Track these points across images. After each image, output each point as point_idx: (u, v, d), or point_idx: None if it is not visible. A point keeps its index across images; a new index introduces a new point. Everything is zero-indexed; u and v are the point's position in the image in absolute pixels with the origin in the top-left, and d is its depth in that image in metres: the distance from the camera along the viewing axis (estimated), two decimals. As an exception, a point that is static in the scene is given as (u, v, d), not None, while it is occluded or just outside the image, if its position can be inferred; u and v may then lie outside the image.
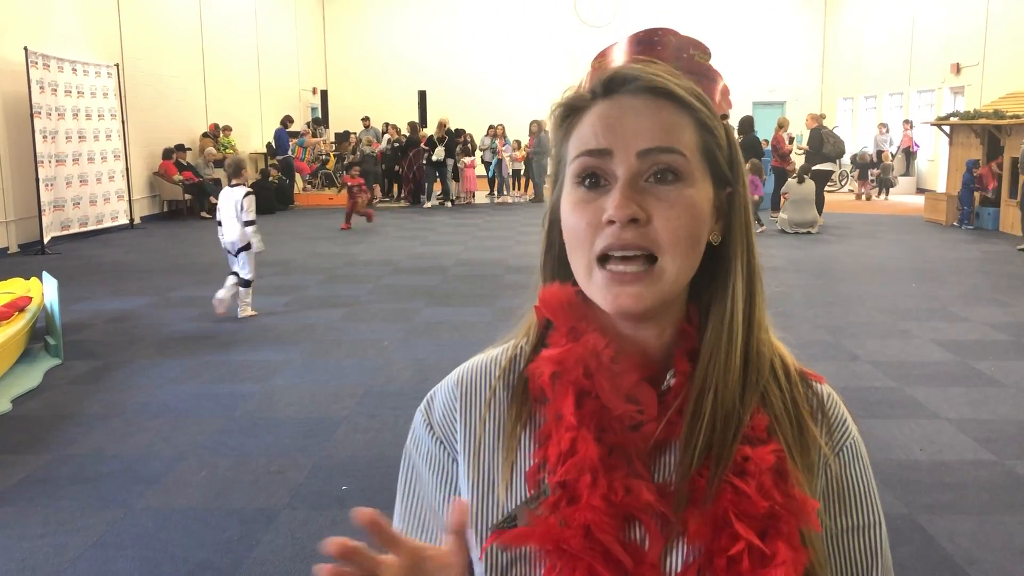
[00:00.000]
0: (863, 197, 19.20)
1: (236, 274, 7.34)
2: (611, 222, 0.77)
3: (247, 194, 7.25)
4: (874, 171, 19.67)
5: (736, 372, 0.81)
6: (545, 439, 0.81)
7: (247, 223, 7.21)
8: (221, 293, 7.29)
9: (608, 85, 0.82)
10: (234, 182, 7.37)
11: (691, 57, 0.87)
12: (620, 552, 0.75)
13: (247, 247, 7.28)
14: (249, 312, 7.45)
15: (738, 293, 0.82)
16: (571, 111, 0.84)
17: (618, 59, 0.87)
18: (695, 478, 0.77)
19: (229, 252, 7.34)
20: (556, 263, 0.88)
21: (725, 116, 0.86)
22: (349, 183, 14.07)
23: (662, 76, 0.81)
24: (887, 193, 19.58)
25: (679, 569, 0.77)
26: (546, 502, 0.78)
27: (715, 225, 0.83)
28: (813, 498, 0.79)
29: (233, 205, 7.21)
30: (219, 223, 7.41)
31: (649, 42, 0.88)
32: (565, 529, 0.76)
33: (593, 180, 0.80)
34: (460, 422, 0.89)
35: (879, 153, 20.06)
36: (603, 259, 0.79)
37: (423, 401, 0.94)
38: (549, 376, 0.81)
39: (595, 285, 0.80)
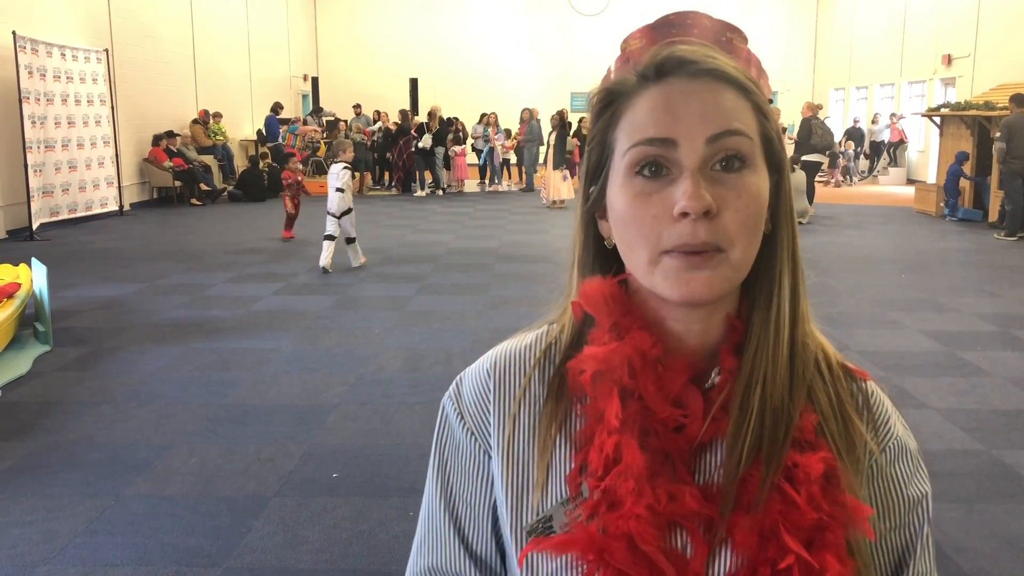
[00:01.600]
0: (832, 184, 19.70)
1: (331, 236, 8.90)
2: (683, 215, 0.72)
3: (343, 168, 9.01)
4: (840, 160, 19.96)
5: (784, 366, 0.78)
6: (585, 441, 0.78)
7: (337, 189, 8.86)
8: (323, 261, 8.86)
9: (661, 68, 0.76)
10: (337, 159, 9.15)
11: (729, 41, 0.83)
12: (664, 563, 0.73)
13: (349, 211, 8.93)
14: (361, 260, 9.20)
15: (785, 283, 0.79)
16: (615, 96, 0.79)
17: (651, 42, 0.82)
18: (743, 479, 0.75)
19: (334, 216, 8.90)
20: (591, 255, 0.85)
21: (770, 102, 0.81)
22: (292, 179, 11.30)
23: (718, 59, 0.76)
24: (850, 181, 20.11)
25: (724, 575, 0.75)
26: (584, 504, 0.76)
27: (767, 214, 0.79)
28: (861, 498, 0.78)
29: (335, 176, 8.96)
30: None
31: (683, 24, 0.82)
32: (608, 539, 0.74)
33: (654, 169, 0.75)
34: (494, 413, 0.85)
35: (872, 144, 20.28)
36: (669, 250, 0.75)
37: (451, 387, 0.91)
38: (591, 375, 0.77)
39: (662, 273, 0.75)
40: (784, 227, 0.80)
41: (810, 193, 13.60)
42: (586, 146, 0.83)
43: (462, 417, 0.88)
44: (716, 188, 0.73)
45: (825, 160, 14.79)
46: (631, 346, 0.77)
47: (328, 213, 8.94)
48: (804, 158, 13.56)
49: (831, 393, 0.81)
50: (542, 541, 0.77)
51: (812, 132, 13.66)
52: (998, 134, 11.51)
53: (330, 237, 8.92)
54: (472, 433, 0.87)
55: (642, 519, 0.73)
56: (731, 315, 0.81)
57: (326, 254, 8.86)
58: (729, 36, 0.83)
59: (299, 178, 11.50)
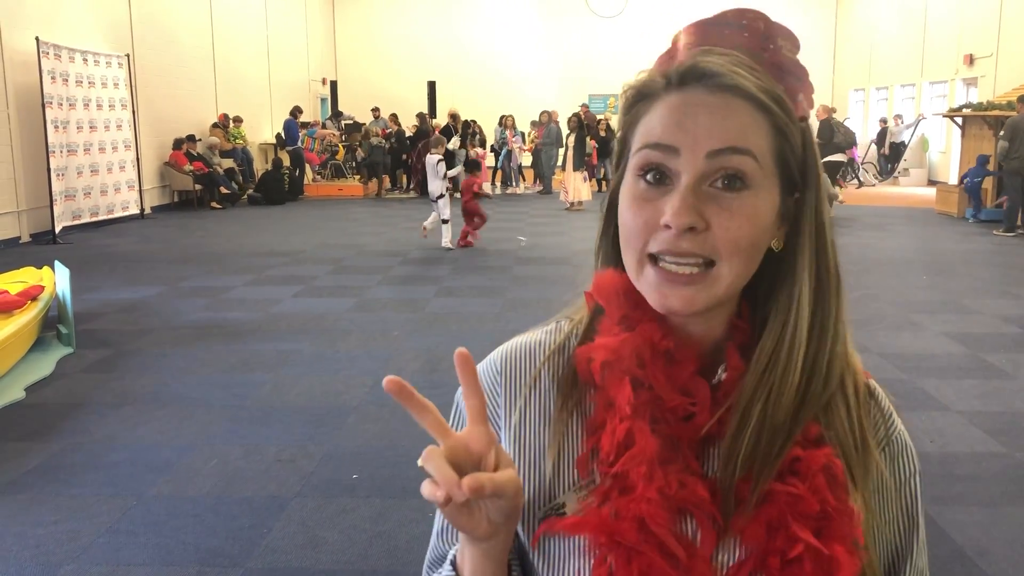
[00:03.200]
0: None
1: (446, 220, 10.60)
2: (668, 226, 0.74)
3: (439, 160, 10.64)
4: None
5: (794, 385, 0.77)
6: (596, 427, 0.80)
7: (445, 176, 10.66)
8: (427, 223, 10.83)
9: (684, 76, 0.77)
10: (432, 151, 10.84)
11: (778, 48, 0.81)
12: (674, 545, 0.74)
13: (442, 196, 10.55)
14: (447, 243, 10.66)
15: (804, 301, 0.79)
16: (642, 96, 0.80)
17: (701, 39, 0.81)
18: (739, 484, 0.76)
19: (432, 200, 10.75)
20: (611, 247, 0.86)
21: (804, 118, 0.80)
22: (478, 190, 11.17)
23: (742, 73, 0.76)
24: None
25: (731, 564, 0.76)
26: (596, 490, 0.77)
27: (777, 231, 0.79)
28: (865, 512, 0.78)
29: (432, 167, 10.63)
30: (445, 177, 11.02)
31: (738, 25, 0.82)
32: (619, 521, 0.75)
33: (656, 176, 0.77)
34: (503, 403, 0.88)
35: (892, 145, 20.08)
36: (655, 257, 0.77)
37: None
38: (600, 364, 0.79)
39: (645, 281, 0.77)
40: (806, 244, 0.79)
41: (831, 193, 13.58)
42: (615, 136, 0.86)
43: None
44: (709, 205, 0.75)
45: (845, 159, 14.76)
46: (641, 337, 0.79)
47: (435, 199, 10.68)
48: (826, 159, 13.53)
49: (854, 422, 0.80)
50: (555, 522, 0.79)
51: (835, 131, 13.64)
52: (1002, 132, 11.59)
53: (445, 220, 10.61)
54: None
55: (653, 502, 0.74)
56: (733, 317, 0.82)
57: (446, 235, 10.71)
58: (779, 43, 0.82)
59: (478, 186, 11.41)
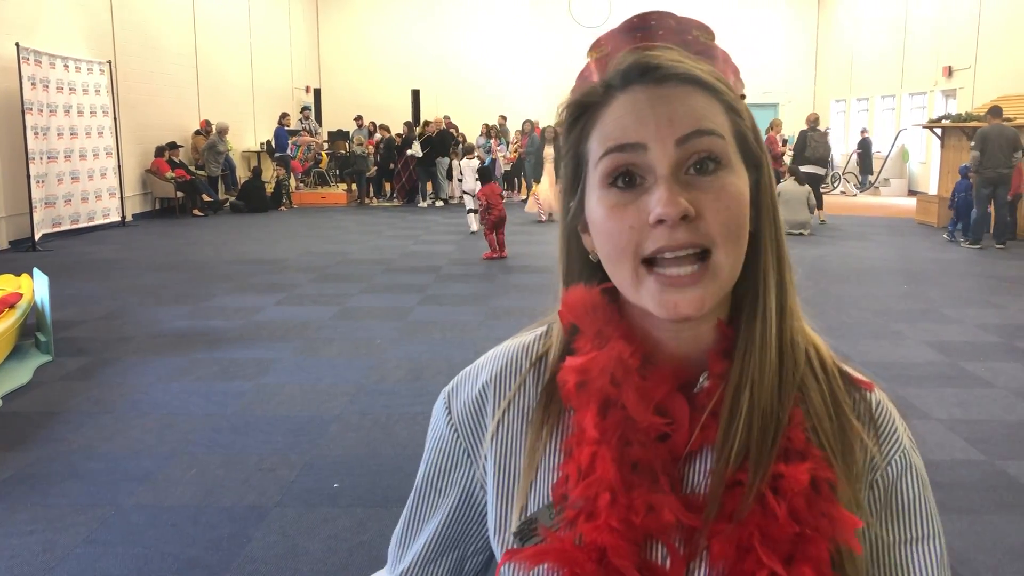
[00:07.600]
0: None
1: (473, 210, 12.75)
2: (660, 221, 0.70)
3: (479, 166, 13.20)
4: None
5: (772, 366, 0.76)
6: (571, 451, 0.78)
7: (479, 180, 12.34)
8: (472, 227, 12.91)
9: (627, 76, 0.75)
10: (467, 157, 14.04)
11: (695, 39, 0.81)
12: None
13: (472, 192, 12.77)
14: (474, 228, 12.77)
15: (770, 281, 0.77)
16: (585, 108, 0.78)
17: (616, 47, 0.80)
18: (730, 485, 0.73)
19: (467, 193, 13.36)
20: (577, 269, 0.84)
21: (743, 96, 0.79)
22: (483, 199, 10.90)
23: (683, 62, 0.75)
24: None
25: None
26: (564, 516, 0.75)
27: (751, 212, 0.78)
28: (858, 506, 0.75)
29: (470, 170, 13.22)
30: (459, 179, 14.90)
31: (647, 27, 0.80)
32: (580, 551, 0.73)
33: (627, 179, 0.73)
34: (490, 416, 0.86)
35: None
36: (650, 261, 0.73)
37: (449, 385, 0.92)
38: (574, 385, 0.77)
39: (647, 292, 0.73)
40: (767, 224, 0.78)
41: (819, 203, 13.92)
42: (560, 161, 0.82)
43: (449, 414, 0.89)
44: (692, 192, 0.71)
45: (825, 171, 14.84)
46: (609, 355, 0.76)
47: (465, 193, 13.52)
48: (803, 170, 13.67)
49: (825, 394, 0.79)
50: (517, 552, 0.77)
51: (807, 144, 13.84)
52: (972, 144, 11.72)
53: (472, 211, 12.75)
54: (456, 430, 0.88)
55: (616, 532, 0.72)
56: (721, 321, 0.79)
57: (473, 223, 12.81)
58: (695, 34, 0.81)
59: (482, 197, 10.91)
